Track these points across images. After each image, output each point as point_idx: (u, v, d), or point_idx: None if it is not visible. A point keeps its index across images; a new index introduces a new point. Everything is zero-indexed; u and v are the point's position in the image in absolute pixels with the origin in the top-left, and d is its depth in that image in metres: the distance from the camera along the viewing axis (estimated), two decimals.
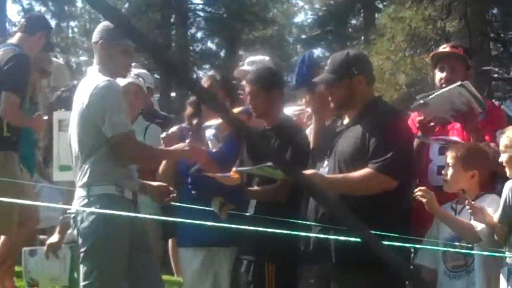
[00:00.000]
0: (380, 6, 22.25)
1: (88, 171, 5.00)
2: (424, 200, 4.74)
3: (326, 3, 27.10)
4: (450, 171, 4.92)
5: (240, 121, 3.37)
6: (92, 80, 5.12)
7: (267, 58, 7.66)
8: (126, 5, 27.18)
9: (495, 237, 4.67)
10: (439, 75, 5.65)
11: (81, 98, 5.09)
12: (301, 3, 31.79)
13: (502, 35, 15.88)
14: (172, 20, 27.82)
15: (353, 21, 27.74)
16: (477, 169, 4.90)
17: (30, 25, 7.02)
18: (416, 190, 4.83)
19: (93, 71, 5.23)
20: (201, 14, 28.81)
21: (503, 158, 4.64)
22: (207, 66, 28.22)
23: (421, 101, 5.24)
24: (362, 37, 23.64)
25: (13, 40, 6.96)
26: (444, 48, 5.84)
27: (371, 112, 4.99)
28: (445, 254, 4.88)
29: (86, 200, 4.98)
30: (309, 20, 29.64)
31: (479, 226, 4.66)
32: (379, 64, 13.63)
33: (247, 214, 5.42)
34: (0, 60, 6.70)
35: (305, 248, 5.05)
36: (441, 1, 13.66)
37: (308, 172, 4.73)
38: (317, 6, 29.03)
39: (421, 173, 5.42)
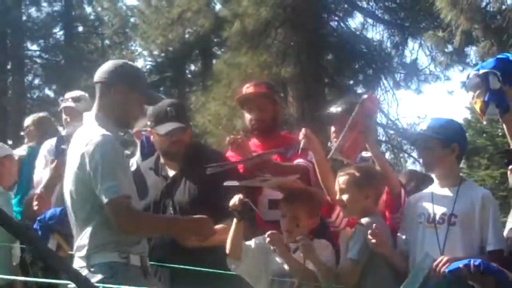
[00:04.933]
0: (218, 52, 22.37)
1: (87, 238, 4.27)
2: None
3: (164, 49, 27.03)
4: (345, 196, 4.84)
5: None
6: (85, 135, 4.35)
7: (84, 94, 7.64)
8: None
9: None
10: (248, 116, 5.63)
11: (75, 154, 4.34)
12: (139, 49, 31.59)
13: (337, 80, 16.20)
14: (8, 67, 27.09)
15: (192, 67, 27.82)
16: (372, 189, 4.87)
17: None
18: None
19: (90, 119, 4.46)
20: (38, 60, 28.24)
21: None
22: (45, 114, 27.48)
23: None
24: (201, 83, 23.72)
25: None
26: (247, 88, 5.77)
27: None
28: None
29: (86, 272, 4.17)
30: (147, 66, 29.45)
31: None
32: (216, 110, 13.66)
33: None
34: None
35: None
36: (276, 47, 13.84)
37: None
38: (155, 52, 28.89)
39: None
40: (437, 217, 4.72)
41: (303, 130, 5.10)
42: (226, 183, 4.96)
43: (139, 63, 33.04)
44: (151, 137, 5.54)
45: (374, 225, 4.66)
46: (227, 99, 13.88)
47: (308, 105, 13.26)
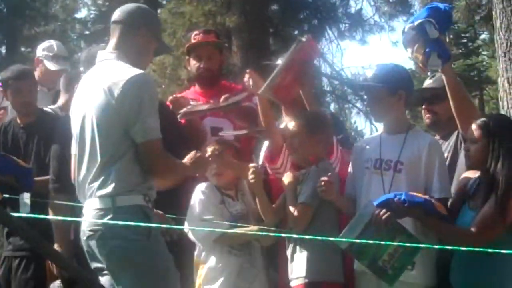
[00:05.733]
0: (163, 1, 22.16)
1: (112, 179, 4.05)
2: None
3: None
4: (296, 140, 4.89)
5: None
6: (118, 69, 4.18)
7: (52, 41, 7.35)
8: None
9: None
10: (195, 64, 5.63)
11: (102, 91, 4.11)
12: None
13: (281, 30, 16.18)
14: None
15: None
16: (322, 134, 4.90)
17: None
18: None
19: (110, 58, 4.28)
20: None
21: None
22: None
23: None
24: None
25: None
26: (196, 35, 5.75)
27: None
28: None
29: (110, 213, 4.03)
30: (91, 16, 29.09)
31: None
32: (160, 60, 13.58)
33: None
34: None
35: None
36: None
37: None
38: (99, 1, 28.55)
39: None
40: (384, 164, 4.74)
41: (248, 71, 5.10)
42: (221, 133, 5.24)
43: (83, 13, 32.76)
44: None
45: (329, 174, 4.72)
46: (172, 48, 13.81)
47: (252, 55, 13.23)
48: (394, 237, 4.38)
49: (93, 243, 4.08)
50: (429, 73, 5.36)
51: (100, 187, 4.08)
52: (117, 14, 4.38)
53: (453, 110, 4.83)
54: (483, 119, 4.54)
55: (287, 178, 4.90)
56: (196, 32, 5.82)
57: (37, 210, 5.16)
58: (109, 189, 4.05)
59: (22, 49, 28.53)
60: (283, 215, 4.88)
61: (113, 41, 4.34)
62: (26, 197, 5.40)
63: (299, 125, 4.90)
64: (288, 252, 4.83)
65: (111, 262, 4.06)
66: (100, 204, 4.07)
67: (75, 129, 4.32)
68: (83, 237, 4.16)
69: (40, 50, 7.03)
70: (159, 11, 22.76)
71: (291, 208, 4.79)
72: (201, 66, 5.61)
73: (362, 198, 4.77)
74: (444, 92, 4.92)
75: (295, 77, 4.92)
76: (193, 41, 5.75)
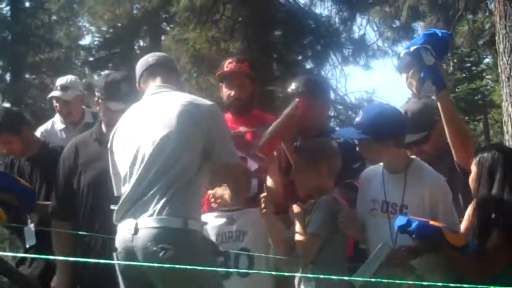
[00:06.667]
0: (166, 28, 22.29)
1: (184, 201, 4.01)
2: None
3: (112, 25, 26.84)
4: (298, 176, 4.83)
5: None
6: (191, 97, 4.32)
7: (73, 77, 7.32)
8: None
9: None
10: (226, 92, 5.62)
11: (179, 113, 4.14)
12: (87, 25, 31.29)
13: (285, 56, 16.22)
14: None
15: (140, 43, 27.68)
16: (323, 164, 4.80)
17: None
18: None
19: (168, 90, 4.41)
20: None
21: None
22: None
23: None
24: None
25: None
26: (229, 63, 5.75)
27: None
28: None
29: (181, 234, 3.95)
30: (95, 42, 29.22)
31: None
32: None
33: None
34: None
35: None
36: (224, 23, 13.81)
37: None
38: (104, 28, 28.66)
39: None
40: (390, 207, 4.63)
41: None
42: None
43: (87, 39, 32.88)
44: (98, 107, 5.45)
45: (342, 214, 4.68)
46: None
47: (256, 80, 13.25)
48: (404, 277, 4.35)
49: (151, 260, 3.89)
50: (422, 100, 5.29)
51: (168, 207, 3.99)
52: (151, 59, 4.64)
53: (448, 138, 4.79)
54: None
55: (295, 208, 4.88)
56: (230, 60, 5.78)
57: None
58: (180, 210, 4.00)
59: (27, 76, 28.68)
60: (293, 246, 4.86)
61: (158, 79, 4.51)
62: (31, 228, 5.41)
63: (295, 160, 4.90)
64: (296, 281, 4.81)
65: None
66: (168, 223, 3.96)
67: (122, 149, 4.31)
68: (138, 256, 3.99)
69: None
70: (162, 37, 22.95)
71: (300, 238, 4.76)
72: (231, 95, 5.61)
73: (372, 239, 4.72)
74: (427, 135, 5.02)
75: (281, 135, 4.93)
76: (225, 69, 5.73)
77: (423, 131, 5.10)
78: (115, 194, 4.40)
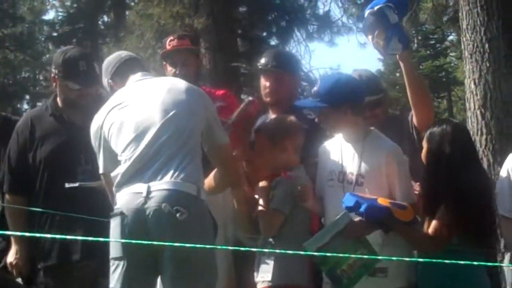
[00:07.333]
0: (131, 3, 22.11)
1: (197, 169, 4.14)
2: None
3: (76, 0, 26.66)
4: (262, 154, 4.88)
5: None
6: (175, 81, 4.51)
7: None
8: None
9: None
10: (171, 70, 5.58)
11: (178, 91, 4.31)
12: (51, 0, 31.03)
13: (250, 32, 16.18)
14: None
15: (104, 18, 27.49)
16: (286, 140, 4.85)
17: None
18: None
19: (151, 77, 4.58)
20: None
21: None
22: None
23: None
24: (113, 35, 23.44)
25: None
26: (171, 41, 5.66)
27: None
28: None
29: (195, 201, 4.05)
30: (59, 17, 28.97)
31: None
32: None
33: None
34: None
35: None
36: None
37: None
38: (67, 3, 28.44)
39: None
40: (346, 177, 4.70)
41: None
42: None
43: (51, 14, 32.58)
44: (54, 84, 5.35)
45: (299, 187, 4.69)
46: (140, 51, 13.76)
47: (221, 57, 13.24)
48: (356, 249, 4.39)
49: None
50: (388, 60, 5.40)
51: (184, 172, 4.06)
52: (124, 54, 4.78)
53: (409, 99, 4.85)
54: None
55: (261, 183, 4.88)
56: (171, 37, 5.72)
57: None
58: (194, 177, 4.09)
59: None
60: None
61: (137, 71, 4.58)
62: None
63: (258, 141, 4.90)
64: (256, 258, 4.82)
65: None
66: (185, 188, 4.02)
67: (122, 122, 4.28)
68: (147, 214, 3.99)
69: None
70: (127, 13, 22.78)
71: (263, 214, 4.77)
72: (177, 72, 5.54)
73: (329, 210, 4.75)
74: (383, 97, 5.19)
75: (236, 134, 4.91)
76: (167, 47, 5.66)
77: (380, 93, 5.28)
78: (101, 171, 4.39)
